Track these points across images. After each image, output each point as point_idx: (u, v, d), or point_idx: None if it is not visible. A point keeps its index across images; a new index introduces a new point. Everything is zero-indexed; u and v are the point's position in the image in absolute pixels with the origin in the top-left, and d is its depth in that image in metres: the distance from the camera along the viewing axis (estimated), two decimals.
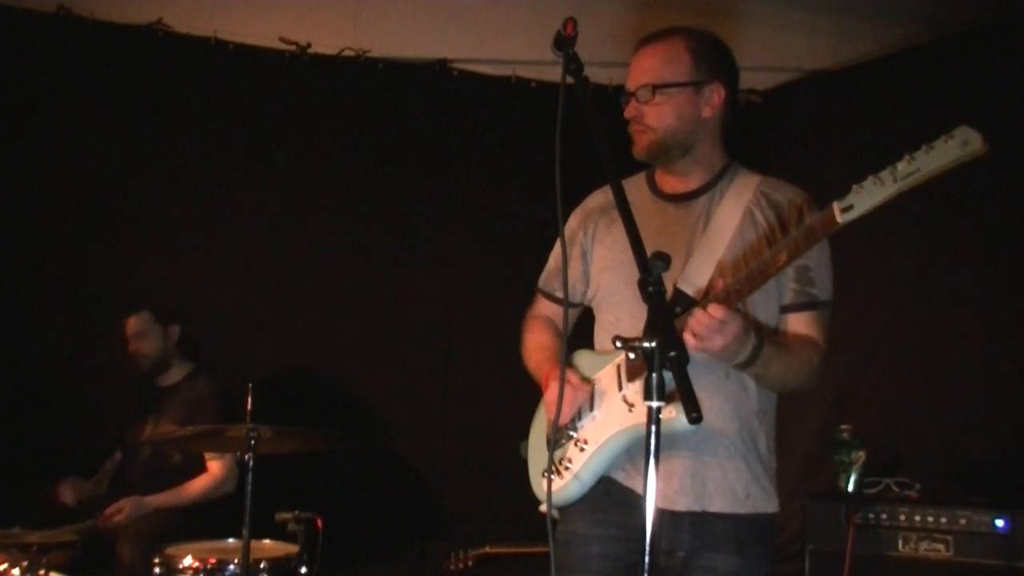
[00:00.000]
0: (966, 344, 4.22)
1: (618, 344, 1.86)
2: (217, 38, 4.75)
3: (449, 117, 5.05)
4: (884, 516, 3.54)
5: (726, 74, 2.40)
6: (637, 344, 1.81)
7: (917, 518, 3.50)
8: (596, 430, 2.32)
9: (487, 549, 4.19)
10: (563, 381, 2.13)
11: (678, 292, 2.26)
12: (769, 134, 5.05)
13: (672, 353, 1.78)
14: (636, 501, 1.84)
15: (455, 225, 5.01)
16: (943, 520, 3.45)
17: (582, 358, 2.45)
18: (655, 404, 1.79)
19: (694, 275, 2.29)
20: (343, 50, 4.89)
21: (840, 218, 2.04)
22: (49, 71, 4.58)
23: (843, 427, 3.88)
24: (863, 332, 4.46)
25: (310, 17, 4.91)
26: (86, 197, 4.61)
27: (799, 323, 2.33)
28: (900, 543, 3.51)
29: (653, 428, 1.79)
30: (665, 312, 1.85)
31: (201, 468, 4.09)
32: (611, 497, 2.33)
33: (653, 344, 1.80)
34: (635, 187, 2.46)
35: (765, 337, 2.20)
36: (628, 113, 2.38)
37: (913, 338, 4.41)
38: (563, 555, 2.36)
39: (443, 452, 4.84)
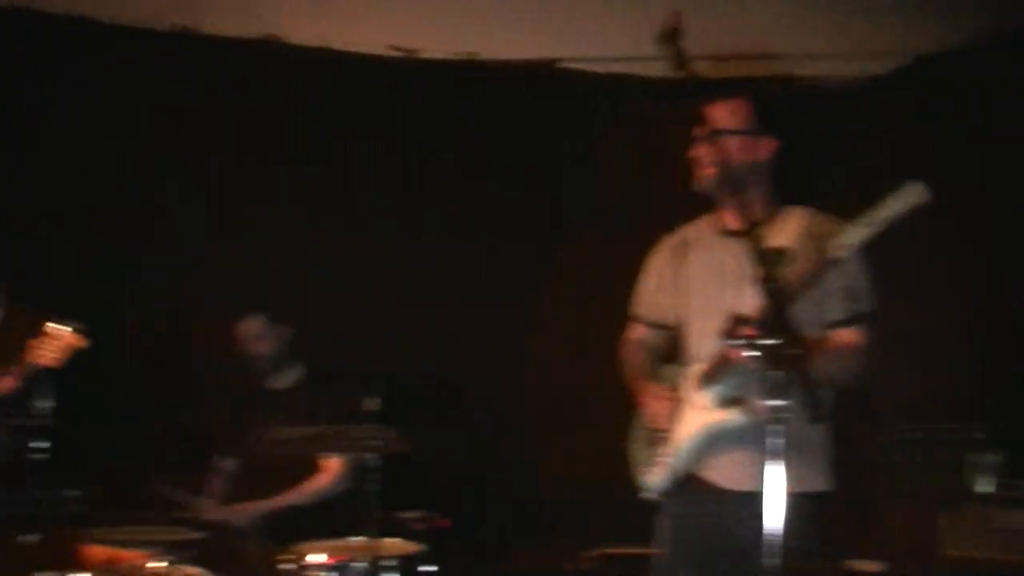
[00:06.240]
0: None
1: (735, 342, 1.94)
2: (329, 48, 4.86)
3: (558, 118, 5.05)
4: None
5: (777, 129, 2.82)
6: (756, 341, 1.86)
7: None
8: (683, 429, 2.75)
9: (605, 550, 4.19)
10: (655, 396, 2.75)
11: (737, 321, 2.41)
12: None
13: (792, 351, 1.80)
14: (709, 487, 2.57)
15: (565, 228, 5.01)
16: None
17: (669, 371, 2.89)
18: (774, 403, 1.86)
19: (747, 306, 2.44)
20: (453, 54, 4.94)
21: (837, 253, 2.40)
22: (170, 88, 4.75)
23: (977, 426, 3.78)
24: None
25: (419, 22, 4.97)
26: (195, 201, 4.77)
27: (848, 335, 2.70)
28: None
29: (777, 426, 1.84)
30: (784, 310, 1.89)
31: (314, 469, 4.20)
32: (693, 485, 2.75)
33: (773, 341, 1.82)
34: (703, 224, 2.92)
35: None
36: (694, 152, 2.79)
37: None
38: (663, 539, 2.83)
39: (566, 453, 4.84)
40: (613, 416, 3.04)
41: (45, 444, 3.69)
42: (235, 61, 4.84)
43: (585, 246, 4.90)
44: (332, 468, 4.16)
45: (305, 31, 4.85)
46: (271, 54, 4.85)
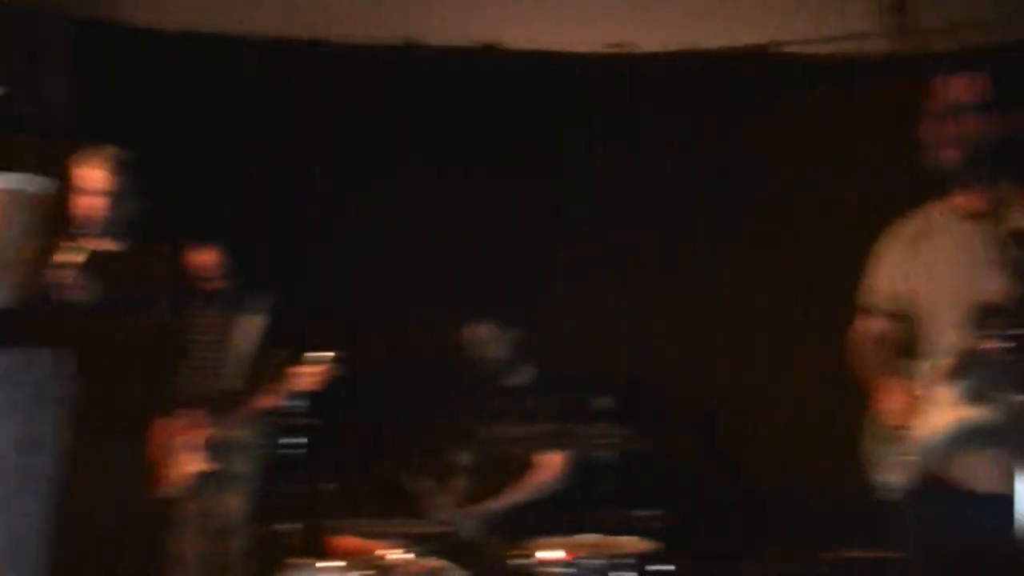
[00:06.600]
0: None
1: (983, 332, 1.86)
2: (548, 50, 4.94)
3: (780, 103, 4.91)
4: None
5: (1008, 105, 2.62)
6: (1007, 331, 1.80)
7: None
8: (926, 426, 2.59)
9: (843, 552, 4.05)
10: (893, 391, 2.58)
11: (985, 310, 2.37)
12: None
13: None
14: (956, 488, 2.30)
15: (797, 214, 4.86)
16: None
17: (907, 365, 2.72)
18: None
19: (995, 294, 2.37)
20: (669, 46, 4.91)
21: None
22: (397, 99, 5.03)
23: None
24: None
25: (632, 17, 4.97)
26: (427, 209, 4.97)
27: None
28: None
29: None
30: None
31: (533, 466, 4.27)
32: (937, 485, 2.59)
33: None
34: (940, 207, 2.73)
35: None
36: (928, 130, 2.61)
37: None
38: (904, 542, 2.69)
39: (801, 451, 4.71)
40: (849, 413, 2.93)
41: (301, 440, 4.00)
42: (456, 69, 5.02)
43: (814, 235, 4.75)
44: (553, 464, 4.22)
45: (522, 36, 4.97)
46: (490, 61, 4.99)
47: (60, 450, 2.24)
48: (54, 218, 2.15)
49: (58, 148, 2.18)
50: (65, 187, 2.19)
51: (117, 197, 3.66)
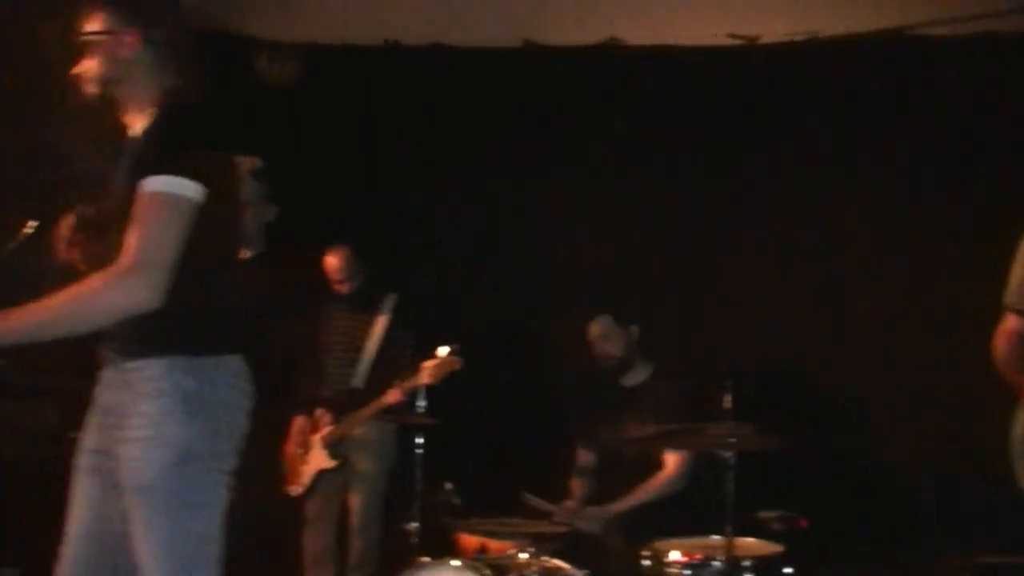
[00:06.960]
0: None
1: None
2: (670, 45, 4.88)
3: (914, 89, 4.72)
4: None
5: None
6: None
7: None
8: None
9: (981, 558, 3.86)
10: None
11: None
12: None
13: None
14: None
15: (937, 206, 4.66)
16: None
17: None
18: None
19: None
20: (793, 35, 4.79)
21: None
22: (515, 99, 5.08)
23: None
24: None
25: (752, 7, 4.86)
26: (543, 206, 5.00)
27: None
28: None
29: None
30: None
31: (655, 466, 4.21)
32: None
33: None
34: None
35: None
36: None
37: None
38: None
39: (935, 451, 4.53)
40: (989, 413, 2.83)
41: (425, 438, 4.07)
42: (575, 68, 5.02)
43: (958, 228, 4.55)
44: (671, 464, 4.17)
45: (641, 31, 4.93)
46: (609, 58, 4.96)
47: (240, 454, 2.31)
48: (207, 225, 2.21)
49: (204, 157, 2.25)
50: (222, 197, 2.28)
51: (246, 206, 3.81)
